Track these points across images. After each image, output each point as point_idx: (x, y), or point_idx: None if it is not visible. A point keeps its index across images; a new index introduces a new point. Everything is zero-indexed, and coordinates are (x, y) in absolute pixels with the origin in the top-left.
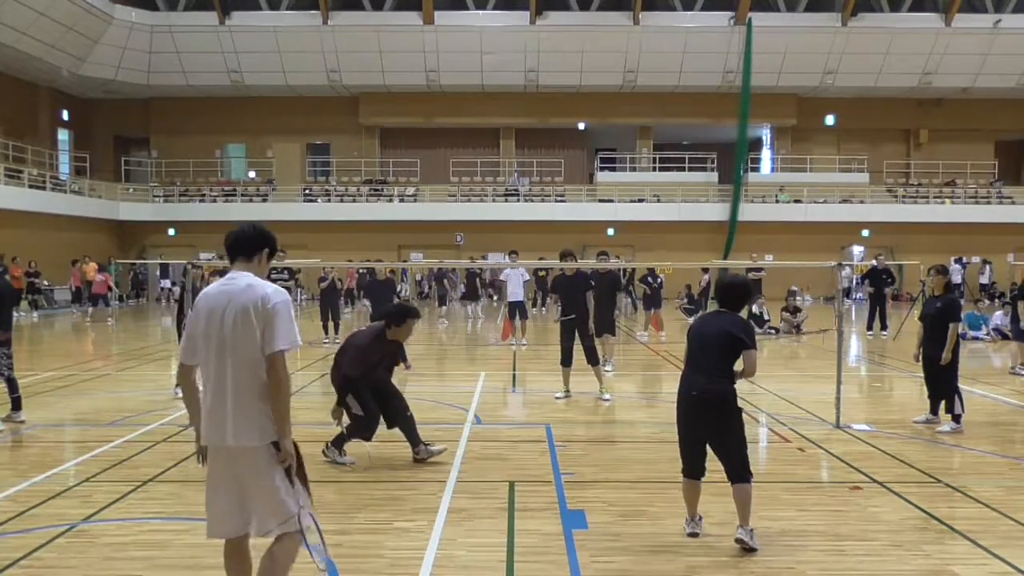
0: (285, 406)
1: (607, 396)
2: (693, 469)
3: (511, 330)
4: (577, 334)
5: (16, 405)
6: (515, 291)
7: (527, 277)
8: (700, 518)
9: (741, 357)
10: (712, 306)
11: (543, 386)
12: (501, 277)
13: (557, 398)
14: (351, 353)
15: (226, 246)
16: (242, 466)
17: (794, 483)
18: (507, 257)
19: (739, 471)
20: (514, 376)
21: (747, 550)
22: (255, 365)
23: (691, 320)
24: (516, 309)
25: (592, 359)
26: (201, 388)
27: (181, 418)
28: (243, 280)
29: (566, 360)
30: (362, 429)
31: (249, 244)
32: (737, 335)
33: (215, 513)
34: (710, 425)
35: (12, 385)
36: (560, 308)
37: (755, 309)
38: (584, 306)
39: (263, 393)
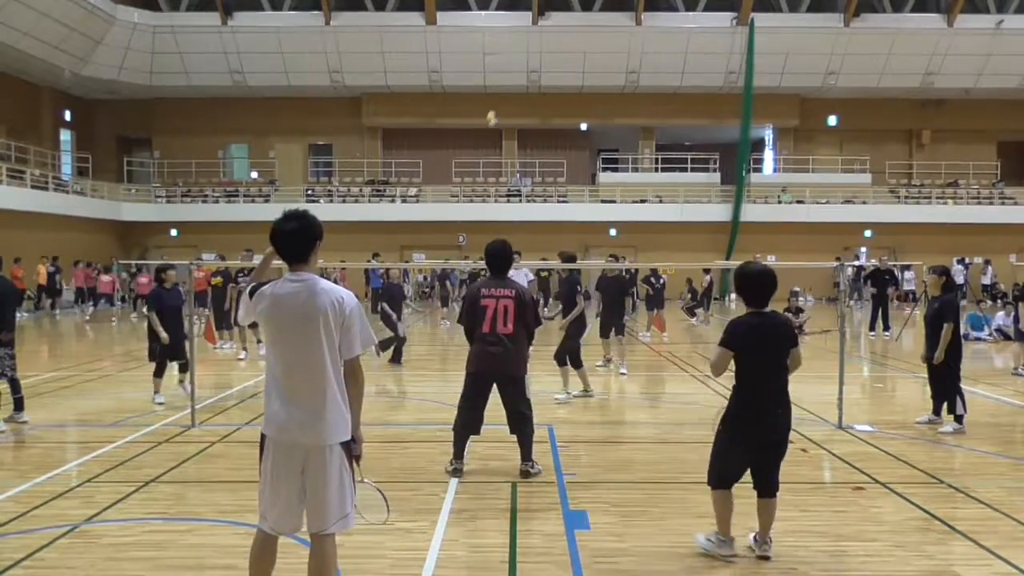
0: (361, 403)
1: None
2: (732, 479)
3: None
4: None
5: (19, 406)
6: None
7: (531, 277)
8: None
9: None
10: (714, 305)
11: (544, 386)
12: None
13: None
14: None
15: (277, 249)
16: (313, 463)
17: (796, 484)
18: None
19: (777, 484)
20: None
21: (763, 557)
22: (334, 366)
23: (696, 320)
24: None
25: (575, 362)
26: (266, 383)
27: (183, 419)
28: (312, 282)
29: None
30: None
31: (302, 247)
32: (790, 335)
33: (279, 509)
34: (779, 440)
35: (15, 386)
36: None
37: None
38: (572, 307)
39: (339, 393)
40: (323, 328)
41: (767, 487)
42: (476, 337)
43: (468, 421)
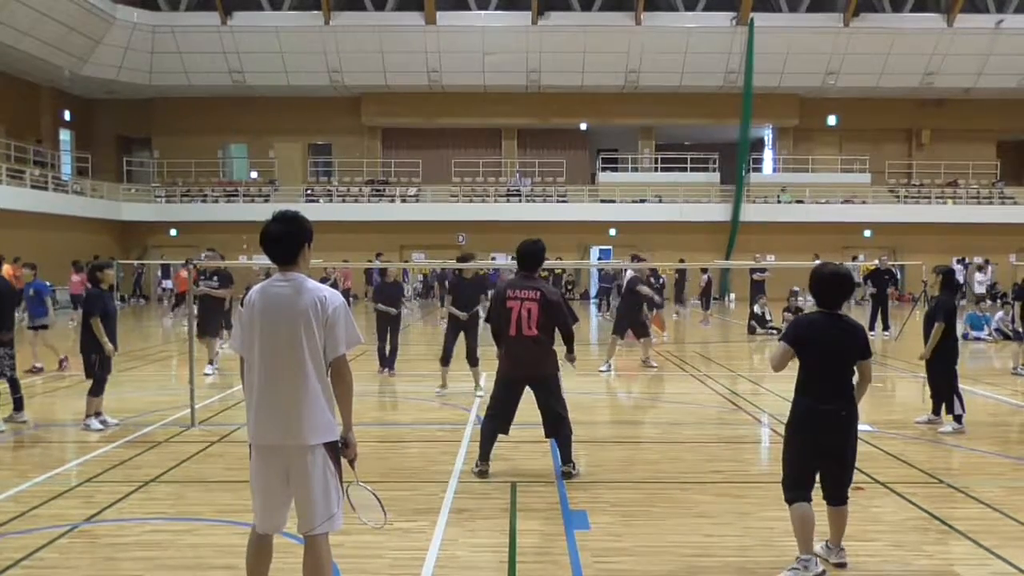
0: (351, 404)
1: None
2: (807, 491)
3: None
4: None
5: (18, 405)
6: None
7: (631, 275)
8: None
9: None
10: (713, 306)
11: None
12: (626, 277)
13: None
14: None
15: (264, 250)
16: (295, 464)
17: None
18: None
19: (846, 492)
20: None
21: (840, 564)
22: (316, 366)
23: (687, 315)
24: None
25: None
26: (247, 386)
27: (183, 418)
28: (297, 281)
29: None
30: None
31: (287, 249)
32: (862, 344)
33: (267, 509)
34: (840, 444)
35: (14, 385)
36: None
37: (757, 309)
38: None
39: (322, 393)
40: (304, 328)
41: (835, 493)
42: (503, 340)
43: (497, 424)
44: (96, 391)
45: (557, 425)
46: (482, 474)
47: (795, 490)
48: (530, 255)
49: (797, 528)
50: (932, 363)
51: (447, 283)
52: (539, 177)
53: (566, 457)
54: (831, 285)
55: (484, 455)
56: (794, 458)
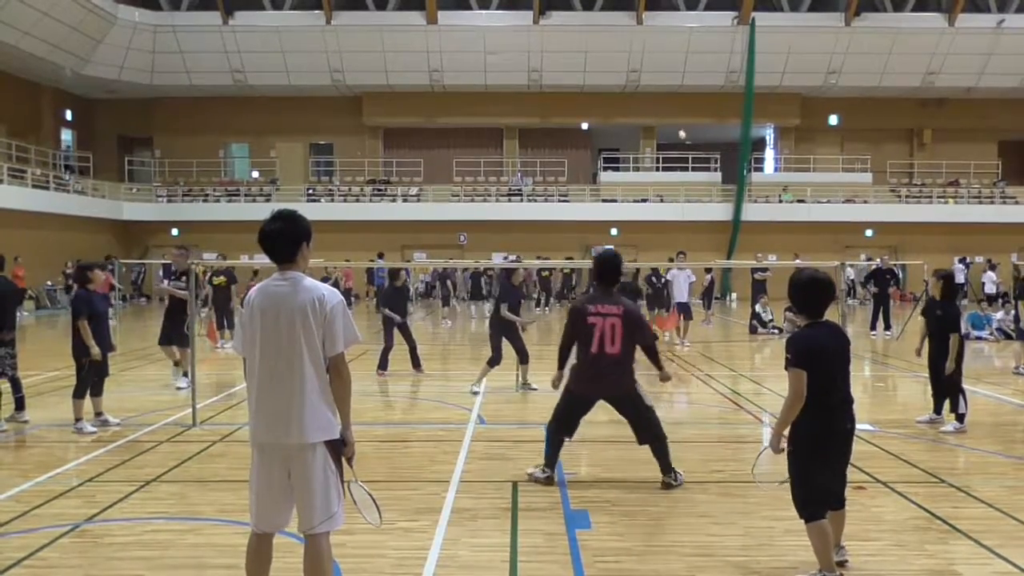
0: (349, 402)
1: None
2: (825, 507)
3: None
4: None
5: (19, 405)
6: (681, 291)
7: (693, 278)
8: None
9: None
10: (715, 305)
11: (546, 385)
12: (668, 277)
13: None
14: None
15: (262, 249)
16: (296, 462)
17: None
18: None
19: (844, 496)
20: (517, 376)
21: (841, 563)
22: (315, 364)
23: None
24: (682, 310)
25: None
26: (249, 385)
27: (184, 418)
28: (296, 280)
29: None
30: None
31: (286, 248)
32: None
33: (266, 507)
34: (846, 454)
35: (16, 385)
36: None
37: (759, 309)
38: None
39: (322, 391)
40: (301, 326)
41: (840, 497)
42: (581, 357)
43: (567, 432)
44: (81, 393)
45: (648, 434)
46: (549, 480)
47: (813, 507)
48: (611, 268)
49: (821, 544)
50: (941, 362)
51: (497, 287)
52: (540, 177)
53: (665, 467)
54: (813, 291)
55: (551, 462)
56: (808, 478)
